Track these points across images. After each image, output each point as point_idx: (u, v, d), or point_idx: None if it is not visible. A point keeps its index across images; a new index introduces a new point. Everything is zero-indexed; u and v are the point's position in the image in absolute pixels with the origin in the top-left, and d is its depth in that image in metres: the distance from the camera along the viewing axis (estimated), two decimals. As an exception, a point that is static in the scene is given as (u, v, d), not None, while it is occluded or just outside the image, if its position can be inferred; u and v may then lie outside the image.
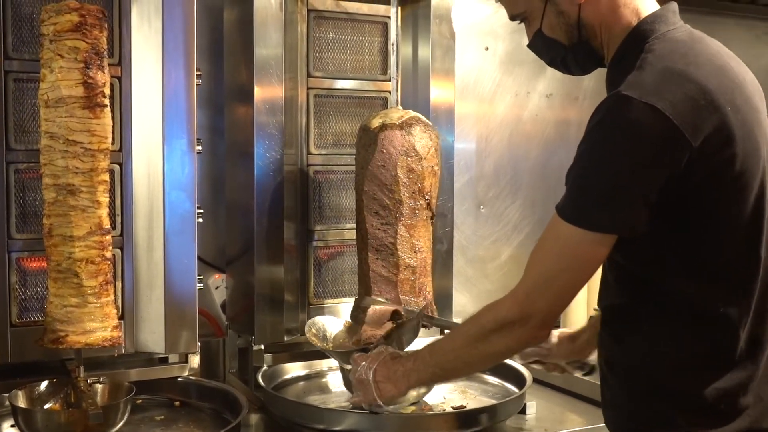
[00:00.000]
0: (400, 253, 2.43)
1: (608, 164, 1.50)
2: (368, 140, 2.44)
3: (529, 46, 1.82)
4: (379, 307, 2.32)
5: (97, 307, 2.10)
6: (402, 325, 2.30)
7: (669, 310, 1.59)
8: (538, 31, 1.75)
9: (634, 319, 1.64)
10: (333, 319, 2.54)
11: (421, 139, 2.42)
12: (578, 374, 2.20)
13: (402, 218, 2.42)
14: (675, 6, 1.70)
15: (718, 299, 1.57)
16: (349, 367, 2.45)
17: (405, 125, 2.41)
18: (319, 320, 2.51)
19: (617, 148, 1.49)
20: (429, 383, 2.16)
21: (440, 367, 1.84)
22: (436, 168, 2.47)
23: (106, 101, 2.08)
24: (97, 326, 2.10)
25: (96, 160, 2.06)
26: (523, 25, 1.82)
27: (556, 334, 2.14)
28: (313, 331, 2.45)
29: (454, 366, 1.84)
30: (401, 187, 2.40)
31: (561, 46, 1.74)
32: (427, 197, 2.44)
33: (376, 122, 2.44)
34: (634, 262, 1.60)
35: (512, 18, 1.80)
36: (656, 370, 1.61)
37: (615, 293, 1.67)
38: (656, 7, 1.69)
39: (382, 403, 1.92)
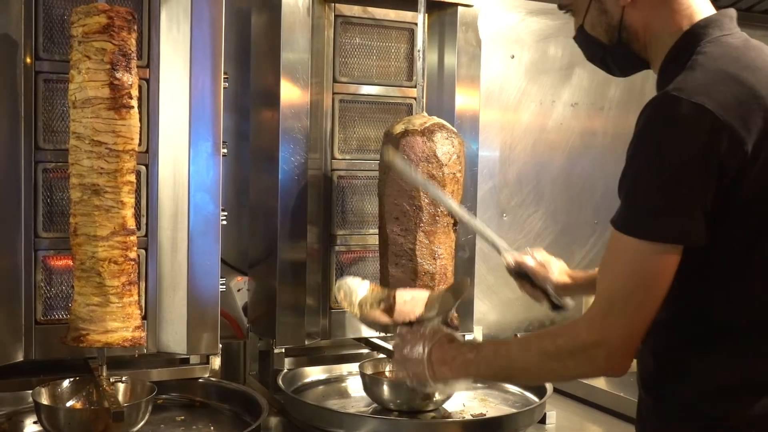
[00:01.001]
0: (418, 259, 2.43)
1: (660, 168, 1.45)
2: (392, 146, 2.45)
3: (574, 39, 1.80)
4: (410, 297, 2.27)
5: (119, 307, 2.12)
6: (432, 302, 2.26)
7: (711, 329, 1.55)
8: (580, 27, 1.74)
9: (673, 338, 1.60)
10: (358, 281, 2.43)
11: (443, 146, 2.42)
12: (549, 308, 2.20)
13: (422, 224, 2.42)
14: (733, 12, 1.65)
15: (762, 319, 1.53)
16: (371, 371, 2.46)
17: (427, 131, 2.41)
18: (347, 282, 2.39)
19: (667, 150, 1.44)
20: (487, 381, 2.16)
21: (505, 372, 1.78)
22: (458, 175, 2.46)
23: (133, 102, 2.09)
24: (118, 326, 2.12)
25: (121, 160, 2.08)
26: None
27: (558, 267, 2.16)
28: (342, 295, 2.38)
29: (521, 377, 1.84)
30: (421, 194, 2.40)
31: (600, 45, 1.72)
32: (447, 204, 2.44)
33: (398, 128, 2.45)
34: (680, 275, 1.53)
35: (560, 7, 1.79)
36: (691, 392, 1.57)
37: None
38: (712, 11, 1.65)
39: (432, 384, 1.84)
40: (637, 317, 1.52)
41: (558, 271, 2.16)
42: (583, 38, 1.76)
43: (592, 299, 1.63)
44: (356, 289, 2.36)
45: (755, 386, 1.53)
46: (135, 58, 2.10)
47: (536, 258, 2.18)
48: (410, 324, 2.03)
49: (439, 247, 2.45)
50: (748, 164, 1.44)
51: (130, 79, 2.08)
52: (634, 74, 1.78)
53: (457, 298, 2.23)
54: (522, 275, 2.19)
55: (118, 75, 2.05)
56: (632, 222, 1.48)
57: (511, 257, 2.21)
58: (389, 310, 2.23)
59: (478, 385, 2.72)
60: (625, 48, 1.69)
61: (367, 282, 2.38)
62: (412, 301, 2.23)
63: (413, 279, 2.43)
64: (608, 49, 1.72)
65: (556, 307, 2.18)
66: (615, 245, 1.52)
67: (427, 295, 2.27)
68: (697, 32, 1.60)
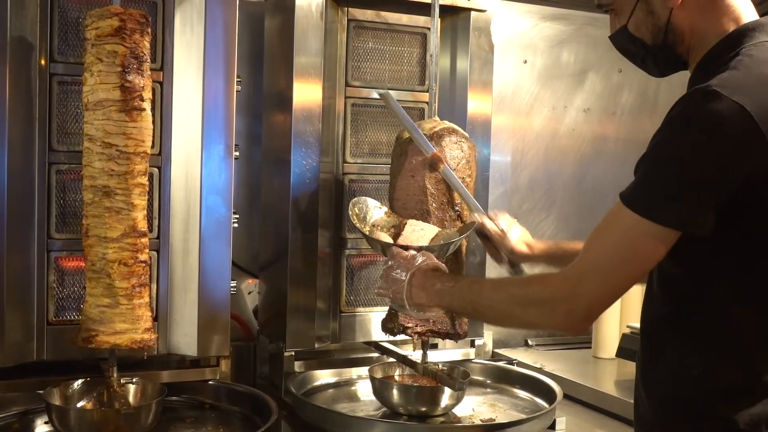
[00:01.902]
0: None
1: (685, 158, 1.46)
2: (400, 150, 2.46)
3: (611, 38, 1.79)
4: (420, 228, 2.31)
5: (129, 309, 2.11)
6: (439, 236, 2.31)
7: (711, 329, 1.56)
8: (623, 27, 1.72)
9: (674, 335, 1.61)
10: (377, 204, 2.46)
11: (451, 150, 2.41)
12: (506, 269, 2.34)
13: None
14: None
15: (763, 322, 1.54)
16: (380, 375, 2.46)
17: (435, 136, 2.41)
18: (365, 200, 2.44)
19: (697, 142, 1.45)
20: (456, 311, 2.22)
21: (473, 306, 1.81)
22: (467, 179, 2.45)
23: (144, 105, 2.09)
24: (127, 328, 2.12)
25: (132, 163, 2.08)
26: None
27: (519, 235, 2.28)
28: (356, 210, 2.39)
29: (486, 313, 1.83)
30: (429, 198, 2.40)
31: (643, 45, 1.71)
32: (456, 208, 2.44)
33: (407, 133, 2.46)
34: (684, 272, 1.57)
35: (599, 6, 1.78)
36: (689, 392, 1.58)
37: (659, 305, 1.64)
38: (756, 16, 1.65)
39: (407, 305, 1.91)
40: (610, 289, 1.56)
41: (517, 238, 2.27)
42: (624, 38, 1.74)
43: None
44: (372, 210, 2.42)
45: (759, 388, 1.54)
46: (148, 60, 2.10)
47: (498, 224, 2.30)
48: (406, 248, 2.07)
49: (448, 251, 2.44)
50: None
51: (141, 81, 2.08)
52: (671, 75, 1.78)
53: (461, 234, 2.30)
54: (484, 237, 2.33)
55: (130, 77, 2.05)
56: (641, 199, 1.50)
57: (477, 218, 2.34)
58: (397, 237, 2.26)
59: (488, 390, 2.73)
60: (669, 49, 1.69)
61: (385, 208, 2.41)
62: (420, 232, 2.29)
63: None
64: (650, 49, 1.71)
65: (512, 272, 2.33)
66: (615, 216, 1.55)
67: (437, 230, 2.30)
68: (743, 34, 1.60)
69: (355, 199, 2.43)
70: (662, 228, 1.48)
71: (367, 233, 2.32)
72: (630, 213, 1.50)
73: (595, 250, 1.58)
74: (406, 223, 2.32)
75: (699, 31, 1.65)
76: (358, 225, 2.35)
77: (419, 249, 2.06)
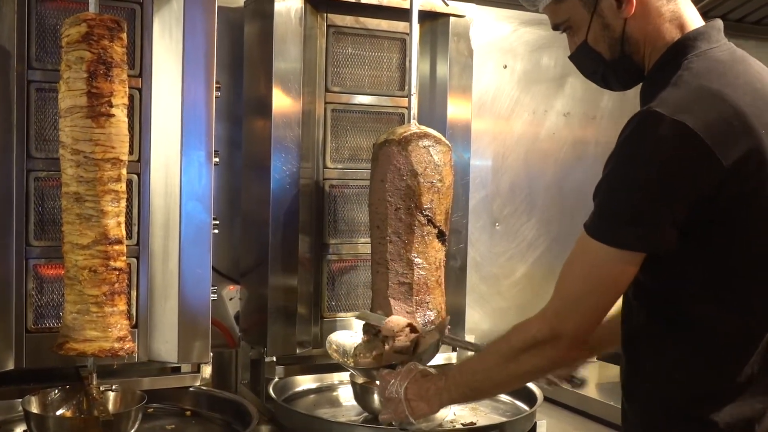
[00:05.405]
0: (394, 267, 2.45)
1: (637, 181, 1.49)
2: (374, 156, 2.50)
3: (571, 57, 1.80)
4: (395, 318, 2.34)
5: (99, 317, 2.09)
6: (422, 343, 2.32)
7: (686, 333, 1.57)
8: (583, 42, 1.72)
9: (651, 342, 1.62)
10: (350, 334, 2.57)
11: (419, 155, 2.43)
12: (566, 386, 2.21)
13: (397, 232, 2.44)
14: (720, 23, 1.67)
15: (736, 324, 1.55)
16: (361, 380, 2.47)
17: (403, 141, 2.43)
18: (337, 337, 2.55)
19: (646, 165, 1.48)
20: (460, 402, 2.19)
21: (470, 387, 1.83)
22: (438, 184, 2.46)
23: (113, 111, 2.06)
24: (98, 335, 2.09)
25: (100, 169, 2.05)
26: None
27: None
28: (333, 347, 2.49)
29: (484, 386, 1.84)
30: (399, 199, 2.42)
31: (602, 60, 1.72)
32: (425, 213, 2.44)
33: (382, 138, 2.49)
34: (657, 281, 1.58)
35: (555, 27, 1.79)
36: (668, 397, 1.60)
37: (635, 313, 1.66)
38: (701, 23, 1.67)
39: (413, 420, 1.92)
40: (588, 317, 1.60)
41: None
42: (585, 55, 1.74)
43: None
44: (348, 341, 2.50)
45: (736, 389, 1.55)
46: (120, 66, 2.08)
47: None
48: (392, 366, 2.08)
49: (417, 255, 2.45)
50: (727, 181, 1.46)
51: (110, 87, 2.05)
52: (633, 87, 1.78)
53: (440, 331, 2.32)
54: None
55: (96, 83, 2.03)
56: (602, 227, 1.54)
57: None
58: (379, 357, 2.29)
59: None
60: (628, 60, 1.70)
61: (359, 335, 2.46)
62: (394, 328, 2.30)
63: (392, 287, 2.44)
64: (609, 64, 1.72)
65: (574, 385, 2.18)
66: (581, 247, 1.59)
67: (415, 337, 2.33)
68: (685, 44, 1.62)
69: (328, 339, 2.54)
70: (627, 252, 1.52)
71: (352, 366, 2.42)
72: (594, 242, 1.54)
73: (566, 283, 1.63)
74: (384, 342, 2.36)
75: (650, 40, 1.66)
76: (340, 361, 2.46)
77: (404, 363, 2.09)
